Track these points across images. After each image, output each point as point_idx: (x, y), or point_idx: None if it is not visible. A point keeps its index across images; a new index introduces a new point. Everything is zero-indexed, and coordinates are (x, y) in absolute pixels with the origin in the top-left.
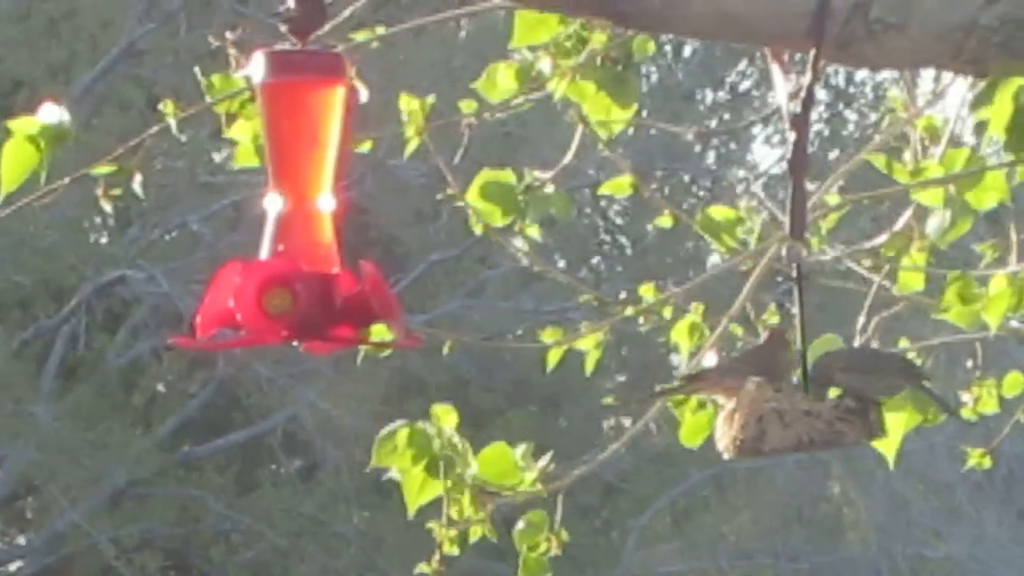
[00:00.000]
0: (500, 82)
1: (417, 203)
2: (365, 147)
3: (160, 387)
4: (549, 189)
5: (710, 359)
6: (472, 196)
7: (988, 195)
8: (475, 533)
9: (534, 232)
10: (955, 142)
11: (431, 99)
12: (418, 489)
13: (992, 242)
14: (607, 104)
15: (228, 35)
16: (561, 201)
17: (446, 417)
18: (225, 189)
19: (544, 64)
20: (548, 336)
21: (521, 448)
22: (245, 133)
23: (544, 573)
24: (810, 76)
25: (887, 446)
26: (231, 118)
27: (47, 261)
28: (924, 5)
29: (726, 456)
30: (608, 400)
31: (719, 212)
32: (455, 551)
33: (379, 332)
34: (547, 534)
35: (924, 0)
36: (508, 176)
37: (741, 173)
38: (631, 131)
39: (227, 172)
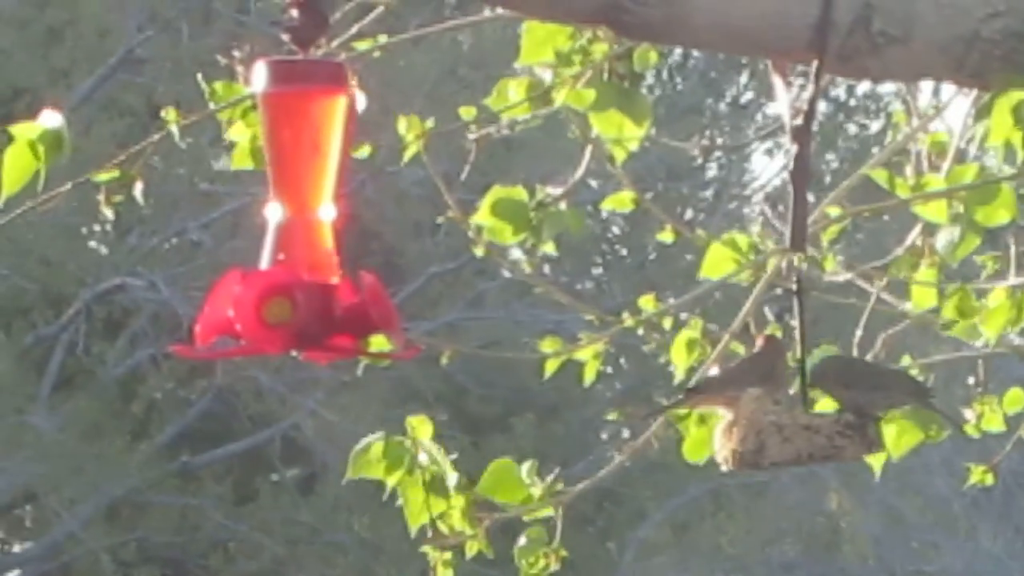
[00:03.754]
0: (511, 98)
1: (417, 214)
2: (363, 152)
3: (159, 395)
4: (562, 206)
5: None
6: (483, 214)
7: (998, 212)
8: (471, 548)
9: (550, 248)
10: (960, 159)
11: (430, 122)
12: (420, 508)
13: (992, 255)
14: (619, 121)
15: (235, 53)
16: (575, 218)
17: (421, 428)
18: (224, 197)
19: (546, 74)
20: (547, 346)
21: (527, 465)
22: (244, 135)
23: None
24: (812, 89)
25: (876, 458)
26: (232, 124)
27: (46, 268)
28: (926, 18)
29: (725, 468)
30: (612, 415)
31: (738, 240)
32: (449, 574)
33: (378, 342)
34: (547, 550)
35: (926, 13)
36: (520, 193)
37: (740, 188)
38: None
39: (227, 180)
